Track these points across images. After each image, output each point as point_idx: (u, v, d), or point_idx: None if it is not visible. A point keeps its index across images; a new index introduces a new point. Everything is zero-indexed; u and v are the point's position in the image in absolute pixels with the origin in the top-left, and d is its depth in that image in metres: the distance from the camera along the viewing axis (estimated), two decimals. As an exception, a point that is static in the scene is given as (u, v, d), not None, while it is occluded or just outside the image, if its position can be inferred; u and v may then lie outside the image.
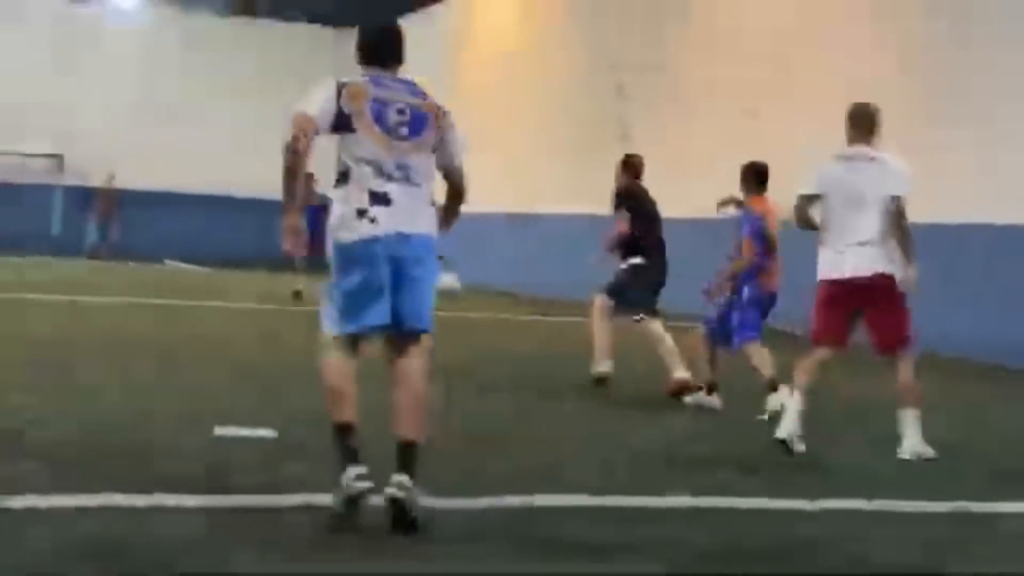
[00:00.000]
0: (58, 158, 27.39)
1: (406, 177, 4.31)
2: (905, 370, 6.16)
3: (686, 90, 17.13)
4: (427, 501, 4.09)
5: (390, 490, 4.02)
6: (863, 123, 6.25)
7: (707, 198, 8.45)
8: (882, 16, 13.82)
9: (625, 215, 8.28)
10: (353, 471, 4.06)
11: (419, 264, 4.31)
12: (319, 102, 4.29)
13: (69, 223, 26.97)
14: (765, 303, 7.73)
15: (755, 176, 7.80)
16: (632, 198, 8.39)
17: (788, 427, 5.96)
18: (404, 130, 4.34)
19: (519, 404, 7.51)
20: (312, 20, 29.37)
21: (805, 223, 6.37)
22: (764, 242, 7.63)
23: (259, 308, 14.65)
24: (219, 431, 5.67)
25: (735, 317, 7.63)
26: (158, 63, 28.13)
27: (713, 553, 4.08)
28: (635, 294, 8.27)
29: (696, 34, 17.28)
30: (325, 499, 4.13)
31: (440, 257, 4.42)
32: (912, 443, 6.04)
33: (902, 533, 4.59)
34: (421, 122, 4.39)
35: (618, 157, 8.79)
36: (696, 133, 16.56)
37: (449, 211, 4.64)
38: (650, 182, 8.66)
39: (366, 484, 4.05)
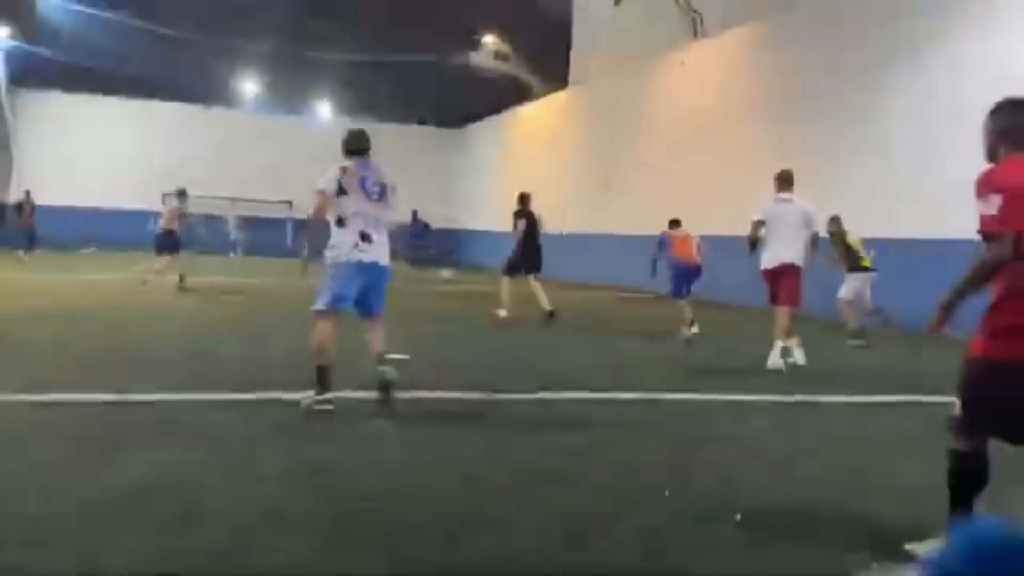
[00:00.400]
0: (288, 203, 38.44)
1: (377, 224, 7.09)
2: (783, 316, 10.26)
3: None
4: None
5: (381, 369, 7.02)
6: (786, 179, 10.53)
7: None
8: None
9: (521, 224, 14.99)
10: (323, 395, 6.76)
11: (382, 279, 7.10)
12: (329, 179, 7.07)
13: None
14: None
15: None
16: (522, 216, 15.12)
17: (774, 359, 10.19)
18: (376, 195, 7.11)
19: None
20: (420, 122, 42.90)
21: (754, 238, 10.33)
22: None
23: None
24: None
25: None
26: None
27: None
28: (521, 265, 15.05)
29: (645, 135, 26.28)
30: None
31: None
32: (773, 359, 10.20)
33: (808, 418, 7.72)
34: (384, 189, 7.16)
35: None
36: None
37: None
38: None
39: (330, 407, 6.71)
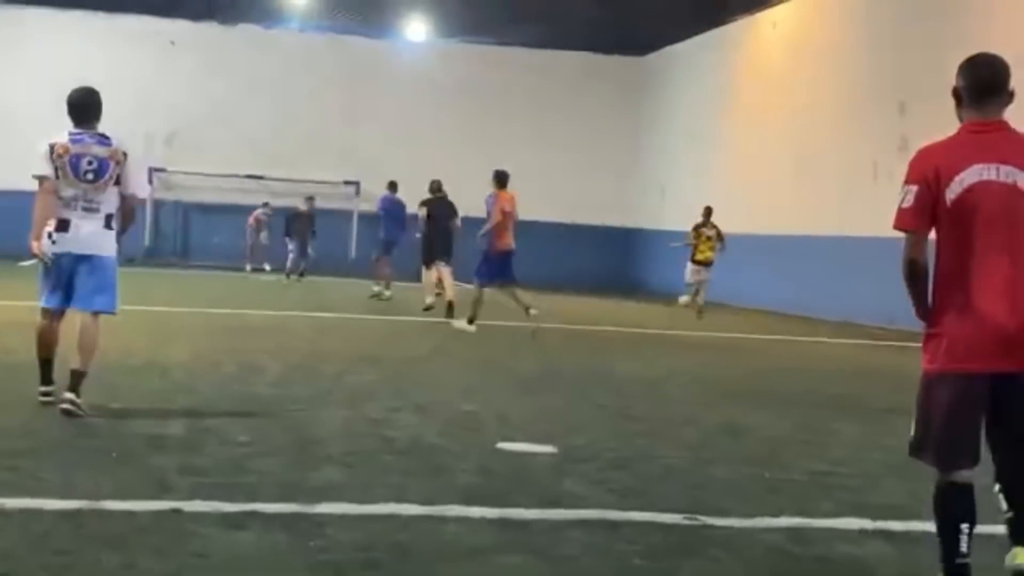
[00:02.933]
0: (355, 184, 28.44)
1: (89, 210, 6.74)
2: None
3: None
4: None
5: (66, 398, 6.64)
6: None
7: None
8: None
9: (424, 214, 17.02)
10: (43, 388, 6.95)
11: (90, 272, 6.81)
12: (41, 160, 6.74)
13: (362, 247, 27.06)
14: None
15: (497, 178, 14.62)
16: (426, 205, 17.16)
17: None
18: (91, 175, 6.73)
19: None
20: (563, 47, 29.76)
21: None
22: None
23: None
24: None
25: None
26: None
27: None
28: (430, 253, 16.86)
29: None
30: None
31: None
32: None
33: None
34: (103, 166, 6.73)
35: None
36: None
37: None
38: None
39: (50, 399, 6.85)
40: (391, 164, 24.20)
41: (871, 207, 16.94)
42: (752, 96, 25.38)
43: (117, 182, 6.85)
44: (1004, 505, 3.86)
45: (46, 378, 6.99)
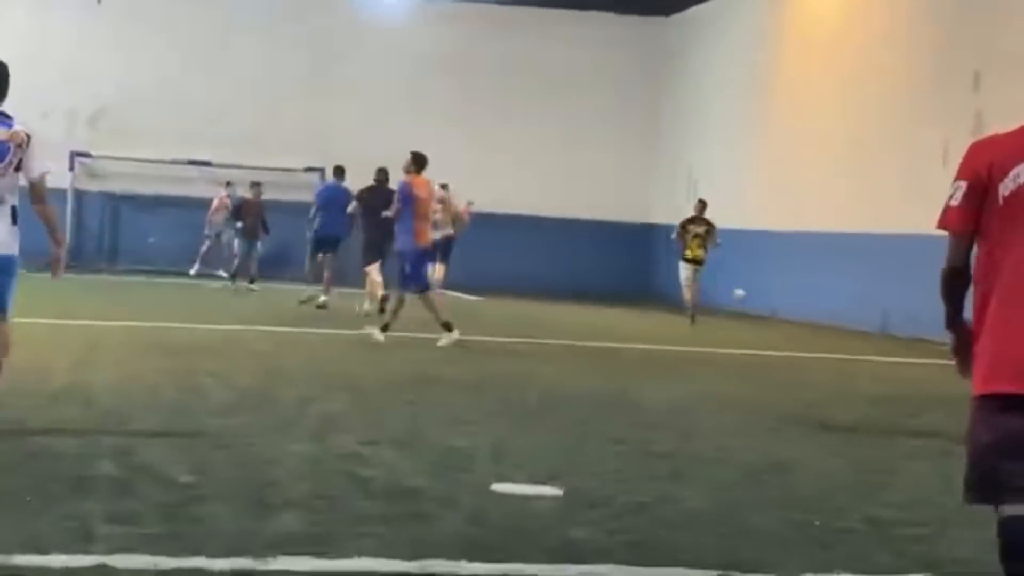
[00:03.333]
0: (320, 172, 27.55)
1: None
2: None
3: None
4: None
5: None
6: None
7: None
8: None
9: (358, 208, 18.73)
10: None
11: None
12: None
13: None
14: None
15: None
16: (360, 200, 18.89)
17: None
18: None
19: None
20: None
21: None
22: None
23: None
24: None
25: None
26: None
27: None
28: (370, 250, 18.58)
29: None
30: None
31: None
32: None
33: None
34: (4, 150, 6.90)
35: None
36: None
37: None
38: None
39: None
40: (365, 148, 24.21)
41: (940, 199, 16.76)
42: (797, 65, 25.43)
43: (19, 168, 6.96)
44: None
45: None
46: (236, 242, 24.76)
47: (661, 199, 30.52)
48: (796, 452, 8.41)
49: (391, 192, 17.22)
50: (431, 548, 5.22)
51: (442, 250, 23.30)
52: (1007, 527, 3.72)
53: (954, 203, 3.85)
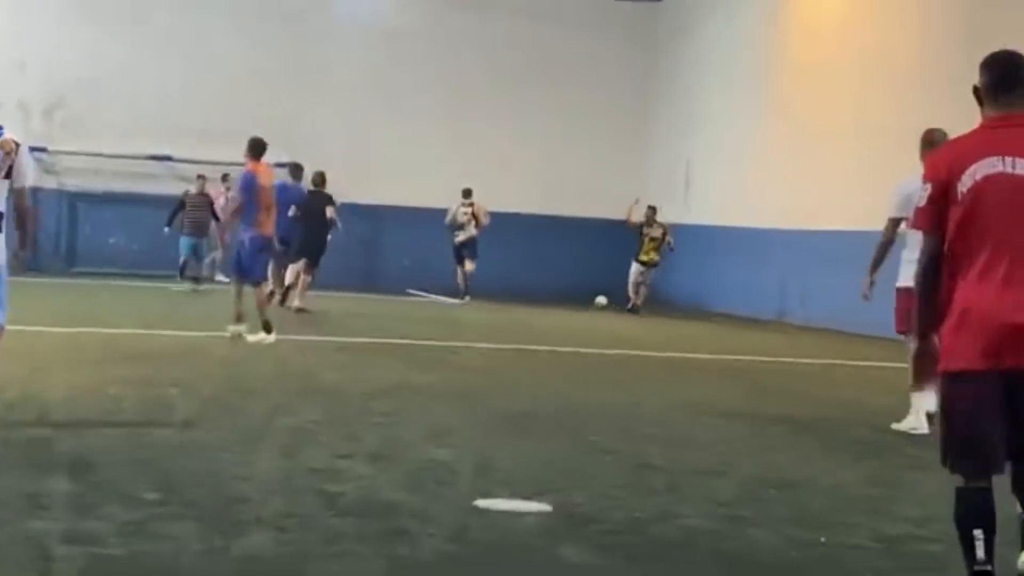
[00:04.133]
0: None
1: None
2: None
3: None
4: None
5: None
6: None
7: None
8: None
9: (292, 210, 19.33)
10: None
11: None
12: None
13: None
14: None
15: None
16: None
17: None
18: None
19: None
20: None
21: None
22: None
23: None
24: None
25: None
26: None
27: None
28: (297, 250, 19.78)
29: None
30: None
31: None
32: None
33: None
34: None
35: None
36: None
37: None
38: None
39: None
40: (336, 141, 24.21)
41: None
42: (805, 49, 25.43)
43: (8, 175, 7.34)
44: (1020, 508, 4.63)
45: None
46: (181, 240, 24.90)
47: (655, 195, 30.51)
48: (801, 464, 8.42)
49: (327, 195, 19.37)
50: (410, 568, 5.20)
51: (470, 249, 25.43)
52: (971, 493, 4.45)
53: (921, 204, 4.56)
